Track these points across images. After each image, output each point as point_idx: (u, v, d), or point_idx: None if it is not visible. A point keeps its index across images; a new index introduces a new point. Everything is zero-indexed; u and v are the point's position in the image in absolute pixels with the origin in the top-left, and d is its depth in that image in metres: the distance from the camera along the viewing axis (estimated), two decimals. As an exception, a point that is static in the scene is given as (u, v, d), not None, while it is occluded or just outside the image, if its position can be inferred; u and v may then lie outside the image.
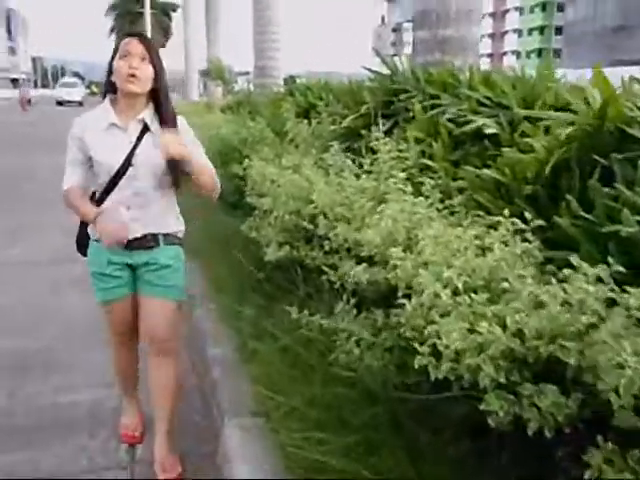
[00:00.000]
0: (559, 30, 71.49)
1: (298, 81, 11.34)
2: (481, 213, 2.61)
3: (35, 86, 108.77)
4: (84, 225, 2.96)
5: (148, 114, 2.79)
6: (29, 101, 41.50)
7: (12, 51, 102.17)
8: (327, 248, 3.47)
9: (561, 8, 71.74)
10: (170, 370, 2.95)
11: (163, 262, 2.85)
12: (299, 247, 3.98)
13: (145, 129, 2.78)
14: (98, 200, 2.82)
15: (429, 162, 3.55)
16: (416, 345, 1.99)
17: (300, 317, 2.86)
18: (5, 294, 5.48)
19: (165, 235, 2.87)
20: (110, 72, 2.75)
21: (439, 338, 1.92)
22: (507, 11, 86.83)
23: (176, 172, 2.76)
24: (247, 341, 3.68)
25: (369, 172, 3.52)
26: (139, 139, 2.77)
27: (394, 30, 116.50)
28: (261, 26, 11.60)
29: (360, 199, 3.21)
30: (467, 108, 3.78)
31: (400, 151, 3.54)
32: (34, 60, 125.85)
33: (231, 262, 4.91)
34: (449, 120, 3.80)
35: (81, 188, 2.86)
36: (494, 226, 2.48)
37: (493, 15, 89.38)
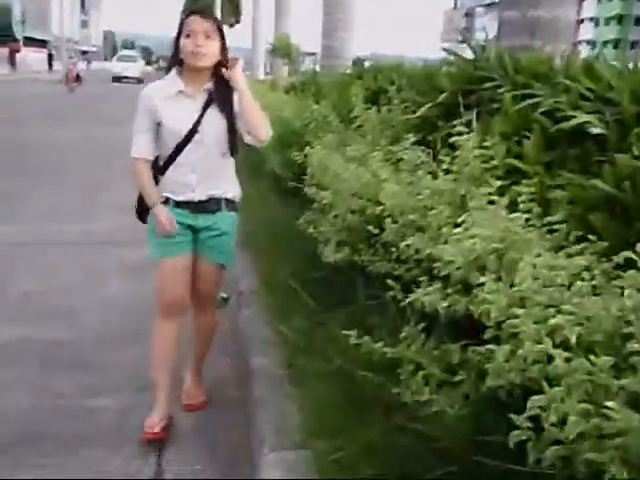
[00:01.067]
0: (639, 20, 68.49)
1: (366, 63, 10.87)
2: (590, 237, 2.10)
3: (105, 59, 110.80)
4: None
5: (213, 85, 2.97)
6: (77, 77, 32.08)
7: (84, 24, 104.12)
8: (394, 256, 3.04)
9: (643, -2, 68.69)
10: (208, 318, 3.32)
11: (223, 229, 3.08)
12: (361, 251, 3.54)
13: (211, 99, 2.97)
14: (165, 163, 3.00)
15: (518, 163, 3.04)
16: (512, 415, 1.52)
17: (360, 343, 2.42)
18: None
19: (226, 200, 3.08)
20: (177, 48, 2.92)
21: (544, 410, 1.45)
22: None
23: (235, 138, 3.00)
24: (296, 355, 3.27)
25: (447, 171, 3.04)
26: (205, 108, 2.96)
27: (466, 14, 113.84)
28: (331, 5, 11.10)
29: (437, 204, 2.73)
30: (566, 101, 3.23)
31: (484, 148, 3.05)
32: (105, 34, 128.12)
33: (285, 258, 4.49)
34: (543, 114, 3.26)
35: (149, 160, 3.03)
36: (606, 254, 1.99)
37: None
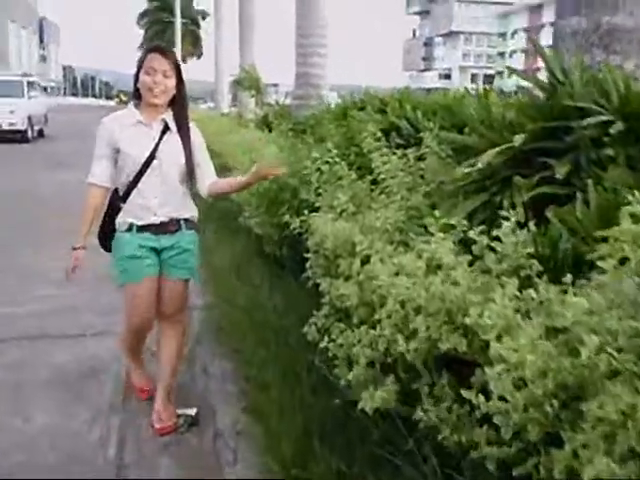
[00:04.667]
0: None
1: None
2: None
3: (64, 94, 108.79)
4: (106, 223, 3.20)
5: (169, 116, 3.13)
6: None
7: (43, 59, 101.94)
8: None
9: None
10: (177, 338, 3.35)
11: (185, 246, 3.19)
12: (418, 393, 2.17)
13: (166, 128, 3.12)
14: (127, 189, 3.11)
15: None
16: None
17: None
18: None
19: (185, 220, 3.20)
20: (136, 82, 3.08)
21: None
22: (542, 26, 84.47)
23: (191, 165, 3.14)
24: None
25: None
26: (161, 136, 3.11)
27: (425, 44, 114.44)
28: (305, 28, 9.82)
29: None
30: None
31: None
32: (65, 69, 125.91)
33: (286, 386, 3.02)
34: None
35: (103, 186, 3.14)
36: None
37: (527, 30, 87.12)
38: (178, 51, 40.22)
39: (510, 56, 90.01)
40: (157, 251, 3.15)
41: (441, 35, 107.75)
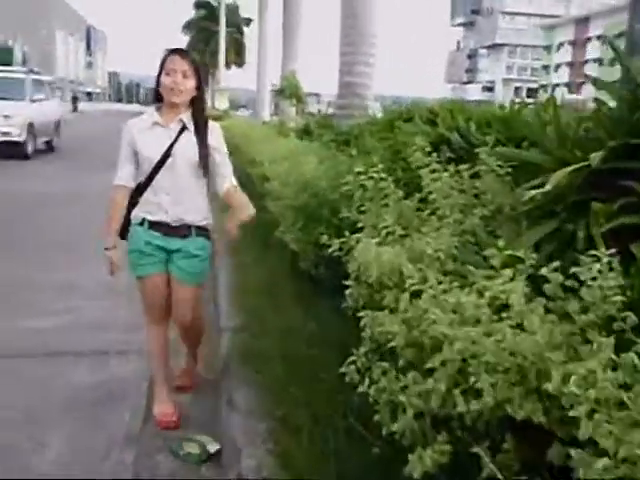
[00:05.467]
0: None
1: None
2: None
3: (109, 100, 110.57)
4: (127, 215, 3.30)
5: (187, 116, 3.22)
6: None
7: (89, 65, 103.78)
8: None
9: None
10: (196, 333, 3.62)
11: (193, 252, 3.25)
12: (475, 456, 1.82)
13: (184, 128, 3.21)
14: (142, 186, 3.23)
15: None
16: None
17: None
18: None
19: (197, 227, 3.26)
20: (157, 85, 3.20)
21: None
22: (589, 39, 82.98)
23: (207, 161, 3.20)
24: None
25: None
26: (178, 135, 3.19)
27: (469, 56, 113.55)
28: (352, 35, 9.52)
29: None
30: None
31: None
32: (110, 75, 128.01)
33: (318, 431, 2.64)
34: None
35: (127, 187, 3.27)
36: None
37: (573, 43, 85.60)
38: (222, 59, 40.48)
39: (555, 70, 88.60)
40: (166, 251, 3.25)
41: (485, 47, 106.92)
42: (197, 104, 3.23)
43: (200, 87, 3.21)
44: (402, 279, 2.41)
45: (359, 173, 3.15)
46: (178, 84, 3.10)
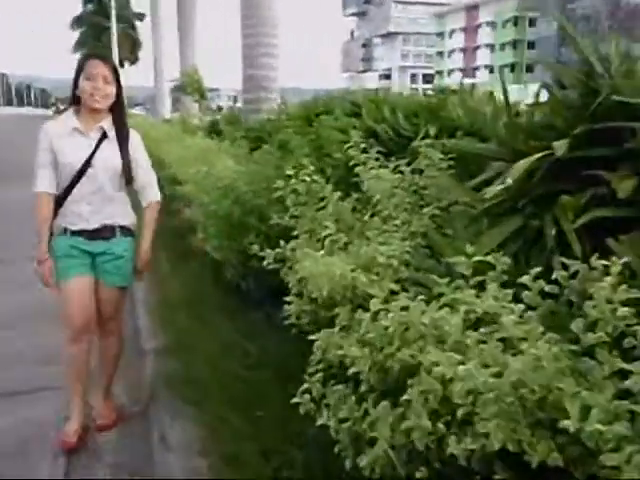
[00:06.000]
0: (531, 45, 70.31)
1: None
2: None
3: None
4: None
5: (107, 123, 3.16)
6: None
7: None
8: None
9: (533, 23, 70.75)
10: (113, 340, 3.39)
11: (118, 253, 3.20)
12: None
13: (104, 136, 3.14)
14: (62, 196, 3.12)
15: None
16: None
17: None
18: None
19: (121, 227, 3.22)
20: (75, 87, 3.10)
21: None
22: (479, 26, 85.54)
23: (130, 172, 3.16)
24: None
25: None
26: (98, 143, 3.12)
27: (364, 45, 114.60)
28: (253, 27, 9.17)
29: None
30: None
31: None
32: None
33: (270, 468, 2.35)
34: None
35: (50, 193, 3.13)
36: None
37: (465, 30, 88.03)
38: (115, 56, 38.98)
39: (449, 55, 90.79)
40: (91, 255, 3.18)
41: (379, 36, 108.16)
42: (118, 111, 3.17)
43: (120, 93, 3.15)
44: (355, 293, 2.16)
45: (289, 177, 2.86)
46: (99, 90, 3.04)
